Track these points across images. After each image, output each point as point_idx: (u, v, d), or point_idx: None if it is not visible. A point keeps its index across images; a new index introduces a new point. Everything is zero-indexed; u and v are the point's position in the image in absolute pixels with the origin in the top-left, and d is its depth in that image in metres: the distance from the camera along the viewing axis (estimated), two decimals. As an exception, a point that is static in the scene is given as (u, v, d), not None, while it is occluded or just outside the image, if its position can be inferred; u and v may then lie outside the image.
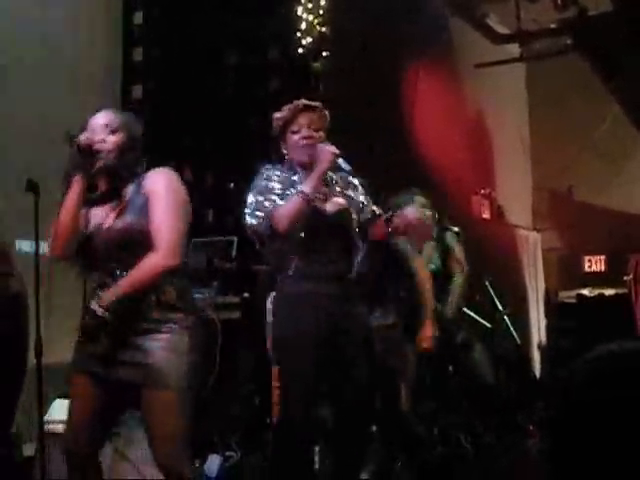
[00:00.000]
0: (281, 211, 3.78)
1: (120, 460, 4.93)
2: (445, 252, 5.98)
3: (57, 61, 6.39)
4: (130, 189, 3.36)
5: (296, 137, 4.00)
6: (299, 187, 3.81)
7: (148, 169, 3.43)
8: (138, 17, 7.49)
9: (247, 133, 7.57)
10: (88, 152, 3.27)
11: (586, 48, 10.30)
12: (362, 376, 3.85)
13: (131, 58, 7.48)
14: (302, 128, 3.99)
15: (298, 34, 7.46)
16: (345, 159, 3.97)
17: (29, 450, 4.92)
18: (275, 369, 3.90)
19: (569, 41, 10.46)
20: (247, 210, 3.91)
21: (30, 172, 3.56)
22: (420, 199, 5.69)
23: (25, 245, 5.54)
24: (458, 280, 5.92)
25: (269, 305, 3.96)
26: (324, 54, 7.46)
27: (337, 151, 3.90)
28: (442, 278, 5.87)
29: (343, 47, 7.78)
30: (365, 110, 7.76)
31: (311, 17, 7.44)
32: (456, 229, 6.03)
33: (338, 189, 4.06)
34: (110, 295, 3.18)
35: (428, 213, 5.66)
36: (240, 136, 7.57)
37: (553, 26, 10.25)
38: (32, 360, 3.88)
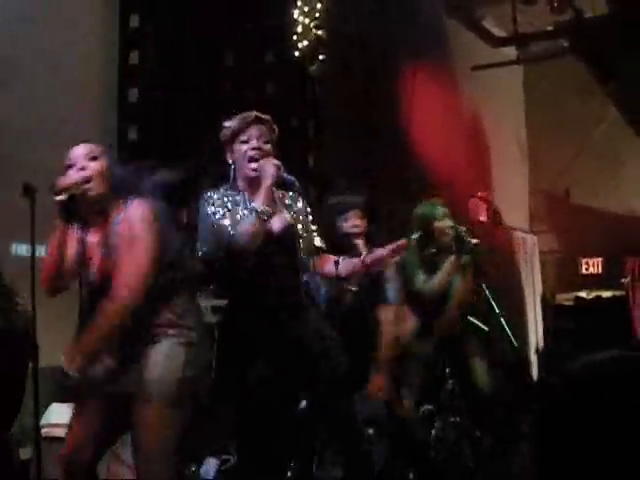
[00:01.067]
0: (241, 231, 3.74)
1: (115, 462, 4.93)
2: (464, 267, 5.88)
3: (54, 65, 6.39)
4: (115, 220, 3.36)
5: (245, 147, 3.95)
6: (252, 205, 3.78)
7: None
8: (134, 20, 7.48)
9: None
10: (66, 193, 3.29)
11: (582, 51, 10.31)
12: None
13: (127, 61, 7.47)
14: (252, 139, 3.94)
15: (294, 37, 7.45)
16: (287, 171, 3.96)
17: (25, 454, 4.91)
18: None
19: (565, 44, 10.48)
20: (198, 242, 3.89)
21: (27, 175, 3.55)
22: (442, 210, 5.66)
23: (22, 248, 5.55)
24: (457, 296, 5.84)
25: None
26: (320, 57, 7.45)
27: (279, 164, 3.87)
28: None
29: (339, 50, 7.79)
30: (361, 113, 7.76)
31: (307, 20, 7.43)
32: (474, 241, 5.91)
33: (286, 202, 4.04)
34: (77, 355, 3.20)
35: (449, 223, 5.63)
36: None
37: (549, 29, 10.26)
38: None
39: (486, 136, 11.07)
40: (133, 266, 3.23)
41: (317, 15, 7.47)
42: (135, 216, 3.31)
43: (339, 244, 4.63)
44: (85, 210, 3.37)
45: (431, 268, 5.65)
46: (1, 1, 6.15)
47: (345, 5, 7.87)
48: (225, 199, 3.90)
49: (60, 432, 5.07)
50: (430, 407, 5.73)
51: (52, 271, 3.34)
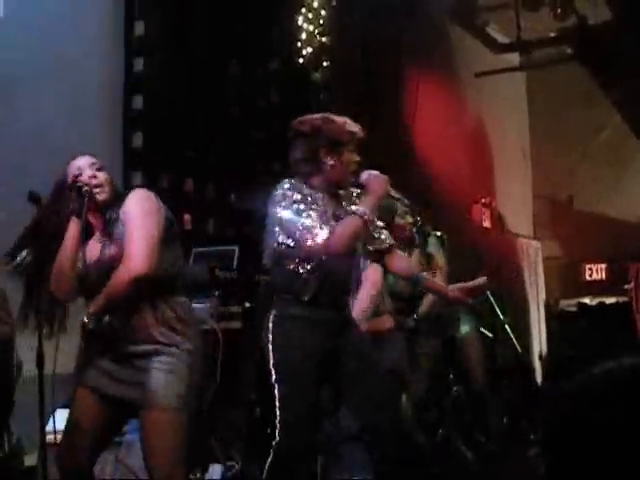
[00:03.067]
0: (339, 232, 3.70)
1: (121, 468, 4.94)
2: (428, 258, 5.94)
3: (58, 72, 6.40)
4: (113, 217, 3.43)
5: (353, 157, 3.91)
6: (356, 208, 3.77)
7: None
8: (139, 28, 7.49)
9: (248, 144, 7.59)
10: (86, 192, 3.38)
11: (586, 57, 10.33)
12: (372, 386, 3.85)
13: (132, 69, 7.48)
14: (355, 152, 3.93)
15: (299, 44, 7.48)
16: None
17: (31, 460, 4.92)
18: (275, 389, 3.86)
19: (569, 50, 10.50)
20: (276, 227, 3.82)
21: (31, 184, 3.56)
22: (402, 205, 5.72)
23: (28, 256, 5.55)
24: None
25: (270, 325, 3.92)
26: (325, 64, 7.48)
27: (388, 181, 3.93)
28: None
29: (343, 57, 7.81)
30: (365, 119, 7.77)
31: (311, 27, 7.46)
32: (439, 233, 6.00)
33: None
34: (90, 309, 3.27)
35: (409, 219, 5.66)
36: (241, 147, 7.59)
37: (553, 35, 10.28)
38: (33, 370, 3.89)
39: (489, 142, 11.08)
40: (143, 236, 3.28)
41: (321, 22, 7.50)
42: (138, 198, 3.40)
43: None
44: (89, 213, 3.43)
45: None
46: (6, 9, 6.17)
47: (349, 12, 7.89)
48: (307, 195, 3.83)
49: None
50: (434, 413, 5.75)
51: (68, 273, 3.37)
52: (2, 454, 4.70)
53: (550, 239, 12.19)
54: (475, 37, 10.60)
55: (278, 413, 3.78)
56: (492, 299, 6.68)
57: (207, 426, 5.50)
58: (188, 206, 7.31)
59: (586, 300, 10.06)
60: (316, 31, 7.48)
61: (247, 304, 6.15)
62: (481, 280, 4.27)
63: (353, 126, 3.96)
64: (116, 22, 7.34)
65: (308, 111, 7.51)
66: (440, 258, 5.97)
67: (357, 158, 3.93)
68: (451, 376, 6.11)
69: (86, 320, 3.24)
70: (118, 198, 3.46)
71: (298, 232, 3.70)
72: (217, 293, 6.08)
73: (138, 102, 7.45)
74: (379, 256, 4.16)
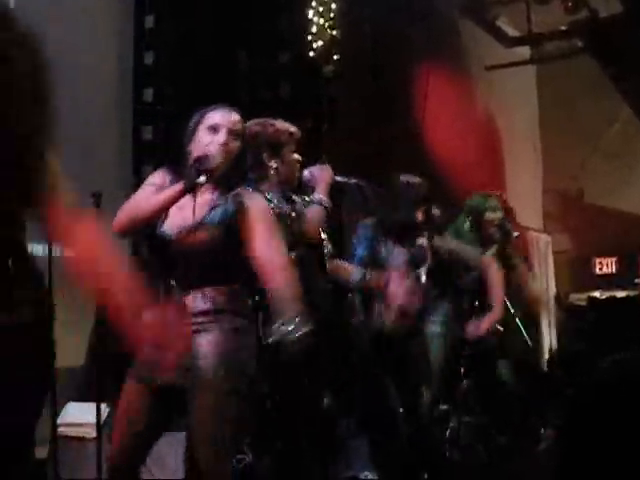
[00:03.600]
0: (311, 217, 3.89)
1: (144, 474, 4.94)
2: (503, 257, 5.98)
3: (68, 65, 6.41)
4: (214, 194, 3.28)
5: (295, 157, 4.07)
6: (316, 197, 3.85)
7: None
8: (149, 21, 7.49)
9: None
10: (205, 177, 3.16)
11: (597, 50, 10.29)
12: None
13: (142, 61, 7.49)
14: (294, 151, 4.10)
15: (309, 38, 7.46)
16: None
17: (41, 453, 4.93)
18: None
19: (580, 43, 10.47)
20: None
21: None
22: (494, 202, 5.80)
23: (37, 248, 5.57)
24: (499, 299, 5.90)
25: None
26: (335, 57, 7.46)
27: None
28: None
29: (354, 51, 7.79)
30: (376, 113, 7.77)
31: (322, 20, 7.45)
32: (516, 234, 6.05)
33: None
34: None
35: (499, 215, 5.77)
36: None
37: (564, 28, 10.25)
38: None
39: (499, 136, 11.05)
40: (278, 258, 3.22)
41: (332, 15, 7.49)
42: (265, 206, 3.33)
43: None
44: None
45: None
46: (15, 3, 6.18)
47: (359, 5, 7.87)
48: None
49: (76, 431, 5.10)
50: (445, 407, 5.75)
51: (142, 224, 3.25)
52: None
53: (560, 232, 12.16)
54: (485, 31, 10.57)
55: None
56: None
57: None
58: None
59: (596, 294, 10.04)
60: (327, 24, 7.46)
61: (256, 297, 6.14)
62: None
63: (290, 126, 4.07)
64: (126, 16, 7.35)
65: (318, 105, 7.55)
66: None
67: (299, 157, 4.03)
68: (462, 369, 6.11)
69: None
70: (233, 176, 3.30)
71: None
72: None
73: (148, 95, 7.46)
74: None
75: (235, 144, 3.31)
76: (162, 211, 3.21)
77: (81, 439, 5.03)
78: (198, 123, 3.35)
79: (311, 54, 7.44)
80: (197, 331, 3.17)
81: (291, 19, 7.59)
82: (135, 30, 7.43)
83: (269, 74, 7.73)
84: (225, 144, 3.26)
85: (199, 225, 3.21)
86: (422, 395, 5.12)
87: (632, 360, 1.72)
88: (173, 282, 3.23)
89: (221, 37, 7.56)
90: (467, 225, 5.85)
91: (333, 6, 7.47)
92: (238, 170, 3.34)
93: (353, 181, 4.44)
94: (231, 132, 3.30)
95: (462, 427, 5.73)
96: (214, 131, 3.29)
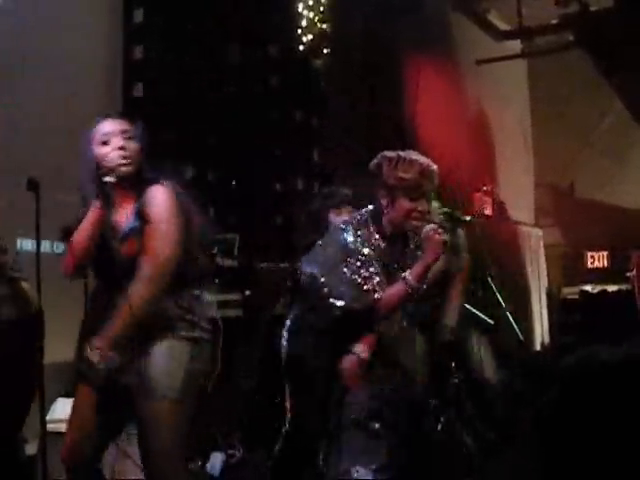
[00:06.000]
0: (386, 300, 3.62)
1: (122, 458, 4.93)
2: (455, 249, 5.95)
3: (57, 60, 6.38)
4: (139, 202, 3.27)
5: (412, 206, 3.69)
6: (406, 275, 3.62)
7: (154, 170, 3.38)
8: (138, 15, 7.46)
9: (248, 130, 7.56)
10: (111, 185, 3.20)
11: (588, 44, 10.30)
12: None
13: (132, 56, 7.46)
14: (421, 199, 3.70)
15: (299, 31, 7.45)
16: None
17: (31, 449, 4.91)
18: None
19: (571, 37, 10.47)
20: (332, 281, 3.68)
21: (31, 171, 3.54)
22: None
23: (26, 244, 5.54)
24: (456, 287, 5.88)
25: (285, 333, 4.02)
26: (325, 51, 7.45)
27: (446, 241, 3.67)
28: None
29: (344, 44, 7.78)
30: (366, 107, 7.75)
31: (312, 14, 7.43)
32: (467, 218, 6.01)
33: None
34: (107, 339, 3.13)
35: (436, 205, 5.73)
36: (241, 133, 7.56)
37: (555, 22, 10.25)
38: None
39: (491, 130, 11.05)
40: (161, 250, 3.15)
41: (322, 9, 7.47)
42: (161, 200, 3.23)
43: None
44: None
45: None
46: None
47: (349, -1, 7.87)
48: (367, 244, 3.70)
49: (66, 428, 5.08)
50: (435, 402, 5.74)
51: (84, 255, 3.23)
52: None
53: (552, 227, 12.17)
54: (476, 24, 10.57)
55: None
56: (493, 287, 6.67)
57: (208, 414, 5.50)
58: (189, 194, 7.28)
59: (588, 288, 10.06)
60: (316, 18, 7.45)
61: (247, 292, 6.14)
62: None
63: (412, 169, 3.79)
64: (115, 10, 7.32)
65: (308, 98, 7.54)
66: (465, 253, 5.98)
67: (421, 208, 3.72)
68: (452, 365, 6.10)
69: (94, 359, 3.10)
70: (141, 177, 3.29)
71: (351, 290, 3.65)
72: (217, 281, 6.07)
73: (138, 90, 7.43)
74: None
75: (132, 144, 3.30)
76: (91, 231, 3.21)
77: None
78: (90, 144, 3.31)
79: (301, 48, 7.43)
80: (150, 338, 3.19)
81: (281, 13, 7.57)
82: (124, 24, 7.40)
83: (259, 68, 7.71)
84: (122, 147, 3.26)
85: (125, 237, 3.25)
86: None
87: (596, 354, 1.73)
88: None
89: (211, 30, 7.54)
90: None
91: (323, 0, 7.46)
92: (144, 170, 3.32)
93: None
94: (123, 134, 3.29)
95: (452, 422, 5.72)
96: (107, 141, 3.28)
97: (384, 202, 3.71)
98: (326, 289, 3.66)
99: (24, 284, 4.02)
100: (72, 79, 6.50)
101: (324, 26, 7.44)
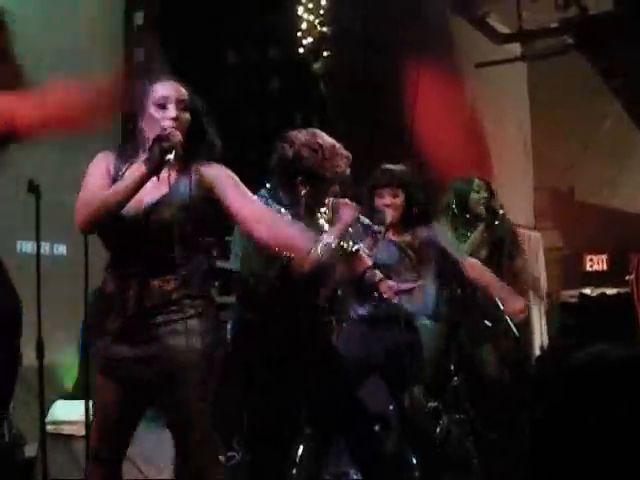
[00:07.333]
0: (299, 259, 3.73)
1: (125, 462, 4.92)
2: (496, 243, 6.04)
3: (58, 62, 6.39)
4: (174, 173, 3.17)
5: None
6: (324, 238, 3.77)
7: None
8: (139, 18, 7.48)
9: (248, 133, 7.57)
10: (169, 154, 3.05)
11: (587, 47, 10.30)
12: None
13: (132, 58, 7.47)
14: None
15: (299, 34, 7.46)
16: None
17: (30, 450, 4.92)
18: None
19: (570, 40, 10.47)
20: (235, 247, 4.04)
21: (31, 172, 3.55)
22: (479, 182, 6.00)
23: (27, 246, 5.55)
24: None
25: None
26: (325, 54, 7.46)
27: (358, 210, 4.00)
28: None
29: (344, 47, 7.79)
30: (365, 110, 7.76)
31: (312, 17, 7.45)
32: (502, 211, 6.13)
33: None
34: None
35: (484, 195, 5.84)
36: (240, 136, 7.57)
37: (554, 25, 10.25)
38: (34, 361, 3.88)
39: (490, 133, 11.05)
40: (258, 209, 3.30)
41: (321, 12, 7.49)
42: (225, 173, 3.32)
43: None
44: None
45: (462, 236, 5.91)
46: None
47: (349, 2, 7.87)
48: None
49: (65, 429, 5.08)
50: (435, 404, 5.74)
51: (108, 214, 3.09)
52: (3, 444, 4.69)
53: (551, 230, 12.17)
54: (476, 28, 10.58)
55: None
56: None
57: (208, 416, 5.49)
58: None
59: (587, 291, 10.05)
60: (316, 21, 7.46)
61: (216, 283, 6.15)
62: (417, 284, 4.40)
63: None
64: (116, 13, 7.33)
65: (307, 101, 7.54)
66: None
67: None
68: (452, 366, 6.11)
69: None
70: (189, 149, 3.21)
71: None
72: (217, 283, 6.08)
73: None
74: (345, 259, 4.15)
75: (185, 116, 3.25)
76: (131, 197, 3.07)
77: (70, 437, 5.02)
78: (144, 99, 3.25)
79: (301, 51, 7.44)
80: (166, 322, 3.14)
81: (281, 15, 7.59)
82: (125, 27, 7.42)
83: (259, 70, 7.72)
84: (176, 118, 3.20)
85: (165, 203, 3.14)
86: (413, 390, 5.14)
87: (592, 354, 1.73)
88: (137, 268, 3.14)
89: (211, 33, 7.55)
90: (453, 208, 5.97)
91: (323, 3, 7.47)
92: (192, 143, 3.25)
93: (376, 228, 4.33)
94: (179, 104, 3.23)
95: (452, 424, 5.72)
96: (163, 106, 3.22)
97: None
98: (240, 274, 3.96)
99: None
100: (71, 79, 6.50)
101: (324, 29, 7.46)
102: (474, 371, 6.02)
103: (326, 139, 3.95)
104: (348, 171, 4.03)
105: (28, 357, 3.94)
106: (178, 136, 3.10)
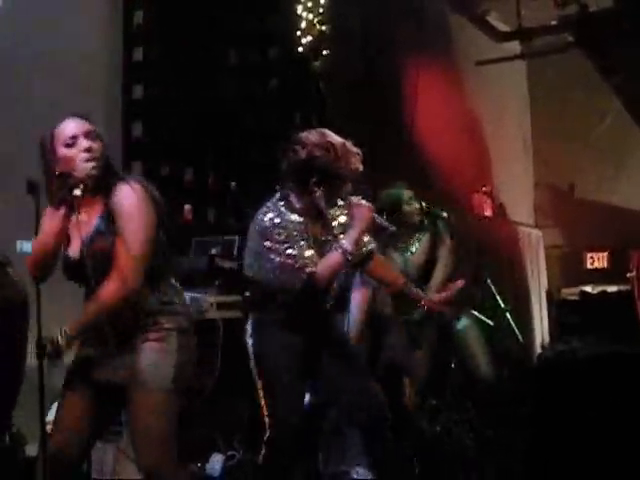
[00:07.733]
0: (322, 270, 3.73)
1: (122, 458, 4.94)
2: (437, 240, 6.01)
3: (57, 62, 6.39)
4: (99, 204, 3.27)
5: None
6: (342, 243, 3.76)
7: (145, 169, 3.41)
8: (138, 16, 7.49)
9: (247, 132, 7.58)
10: (78, 195, 3.17)
11: (587, 45, 10.30)
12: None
13: (131, 58, 7.48)
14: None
15: (298, 33, 7.46)
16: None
17: (31, 450, 4.92)
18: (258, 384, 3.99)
19: (570, 38, 10.46)
20: (249, 258, 3.97)
21: (30, 173, 3.55)
22: (408, 192, 5.79)
23: (27, 246, 5.54)
24: (442, 262, 5.93)
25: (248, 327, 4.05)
26: (324, 53, 7.46)
27: (373, 210, 3.91)
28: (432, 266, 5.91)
29: (343, 46, 7.79)
30: (365, 109, 7.76)
31: (311, 16, 7.44)
32: (445, 214, 6.06)
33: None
34: (76, 324, 3.19)
35: (416, 205, 5.76)
36: (240, 135, 7.57)
37: (554, 23, 10.24)
38: (34, 361, 3.88)
39: (490, 131, 11.04)
40: (134, 248, 3.14)
41: (321, 10, 7.48)
42: (130, 198, 3.20)
43: None
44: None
45: (403, 249, 5.83)
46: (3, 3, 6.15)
47: (349, 0, 7.87)
48: (285, 223, 3.85)
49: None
50: (434, 402, 5.75)
51: (49, 257, 3.23)
52: (4, 444, 4.69)
53: (551, 227, 12.15)
54: (475, 25, 10.57)
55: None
56: (493, 288, 6.69)
57: (208, 416, 5.51)
58: (188, 196, 7.31)
59: (588, 288, 10.04)
60: (315, 20, 7.46)
61: (247, 294, 6.15)
62: (458, 284, 4.38)
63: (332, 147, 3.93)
64: (115, 12, 7.33)
65: (307, 100, 7.54)
66: (447, 239, 6.03)
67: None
68: (452, 365, 6.12)
69: (59, 338, 3.12)
70: (108, 177, 3.26)
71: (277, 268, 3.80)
72: (217, 283, 6.08)
73: (138, 92, 7.44)
74: (361, 262, 4.13)
75: (97, 144, 3.27)
76: (54, 237, 3.19)
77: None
78: (53, 143, 3.28)
79: (300, 49, 7.44)
80: (136, 334, 3.24)
81: (280, 15, 7.58)
82: (124, 27, 7.42)
83: (258, 70, 7.72)
84: (90, 149, 3.23)
85: (94, 237, 3.22)
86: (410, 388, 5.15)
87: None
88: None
89: (210, 33, 7.55)
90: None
91: (322, 1, 7.47)
92: (109, 169, 3.30)
93: (392, 228, 4.32)
94: (89, 135, 3.26)
95: (451, 422, 5.73)
96: (73, 143, 3.24)
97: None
98: (259, 282, 3.92)
99: (9, 270, 4.05)
100: (72, 80, 6.51)
101: (323, 28, 7.45)
102: (473, 369, 6.04)
103: (335, 138, 3.93)
104: (361, 167, 4.01)
105: (28, 357, 3.94)
106: (85, 169, 3.19)
